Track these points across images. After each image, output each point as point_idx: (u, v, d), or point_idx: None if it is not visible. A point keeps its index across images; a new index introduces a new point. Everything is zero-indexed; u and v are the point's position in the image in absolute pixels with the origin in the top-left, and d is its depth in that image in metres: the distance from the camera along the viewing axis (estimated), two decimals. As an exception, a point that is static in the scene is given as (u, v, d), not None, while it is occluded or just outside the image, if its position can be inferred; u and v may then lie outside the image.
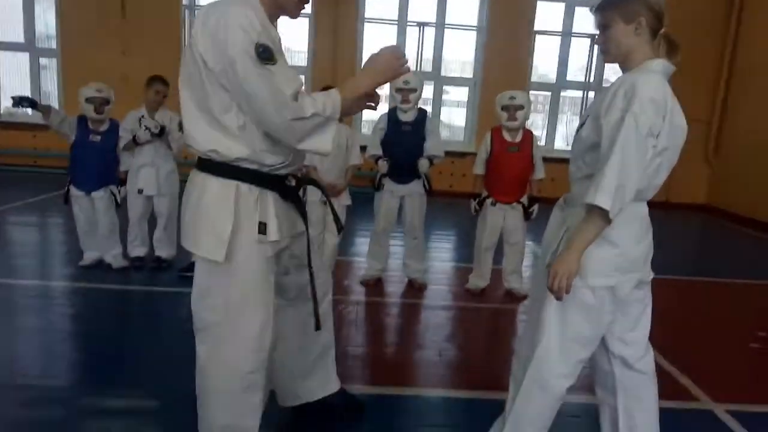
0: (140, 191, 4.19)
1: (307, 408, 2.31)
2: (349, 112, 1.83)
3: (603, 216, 1.65)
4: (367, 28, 8.40)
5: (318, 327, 2.01)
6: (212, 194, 1.75)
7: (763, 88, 7.58)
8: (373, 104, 1.89)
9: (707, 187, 8.74)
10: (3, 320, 3.32)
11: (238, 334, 1.80)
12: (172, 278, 4.10)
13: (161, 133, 4.07)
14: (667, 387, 2.81)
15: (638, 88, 1.63)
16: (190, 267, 4.05)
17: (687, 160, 8.52)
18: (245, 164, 1.75)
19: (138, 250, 4.33)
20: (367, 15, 8.37)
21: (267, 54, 1.59)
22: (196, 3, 8.33)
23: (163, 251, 4.33)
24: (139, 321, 3.50)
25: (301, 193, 1.99)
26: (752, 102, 7.83)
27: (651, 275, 1.93)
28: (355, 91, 1.76)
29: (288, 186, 1.87)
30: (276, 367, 2.17)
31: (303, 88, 1.69)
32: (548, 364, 1.85)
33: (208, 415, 1.90)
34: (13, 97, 3.89)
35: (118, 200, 4.20)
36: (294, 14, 1.82)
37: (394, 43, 1.74)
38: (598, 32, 1.83)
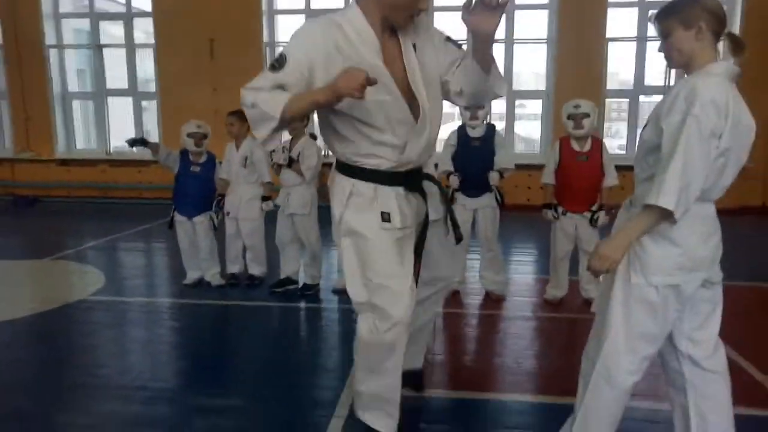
0: (228, 213, 4.58)
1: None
2: (302, 114, 2.10)
3: (663, 215, 1.71)
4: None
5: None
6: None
7: None
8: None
9: (808, 190, 8.15)
10: (118, 332, 3.80)
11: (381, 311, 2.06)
12: (263, 294, 4.44)
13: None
14: (750, 393, 2.78)
15: (699, 91, 1.68)
16: (280, 283, 4.44)
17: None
18: (360, 164, 2.09)
19: (232, 267, 4.71)
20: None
21: (274, 61, 1.92)
22: (276, 40, 8.90)
23: (255, 269, 4.69)
24: (234, 332, 3.86)
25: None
26: None
27: (720, 275, 1.94)
28: (305, 98, 1.90)
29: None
30: None
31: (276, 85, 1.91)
32: (615, 360, 1.91)
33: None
34: (127, 141, 4.46)
35: (216, 224, 4.61)
36: (404, 25, 1.99)
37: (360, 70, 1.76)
38: (660, 41, 1.88)
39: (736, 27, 8.00)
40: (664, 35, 1.85)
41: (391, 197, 2.06)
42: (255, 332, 3.79)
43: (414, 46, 2.01)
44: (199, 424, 2.57)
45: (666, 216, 1.71)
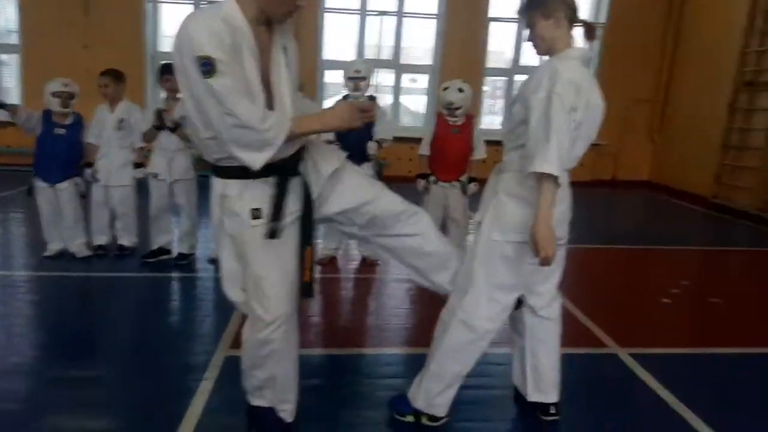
0: (98, 180, 4.35)
1: None
2: (296, 138, 1.93)
3: (553, 180, 1.89)
4: (328, 18, 8.58)
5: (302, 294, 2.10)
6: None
7: (702, 71, 8.04)
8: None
9: (651, 165, 9.22)
10: (-31, 307, 3.50)
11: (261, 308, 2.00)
12: (134, 265, 4.31)
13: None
14: (580, 335, 3.24)
15: (559, 72, 1.91)
16: (153, 253, 4.33)
17: (633, 138, 9.07)
18: (226, 163, 1.96)
19: (100, 238, 4.51)
20: (327, 5, 8.52)
21: (203, 67, 1.70)
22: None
23: (125, 239, 4.53)
24: (101, 304, 3.72)
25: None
26: (692, 84, 8.30)
27: (566, 238, 2.19)
28: (304, 128, 1.91)
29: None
30: None
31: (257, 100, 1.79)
32: (476, 307, 2.14)
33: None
34: None
35: (84, 191, 4.37)
36: (282, 21, 1.94)
37: (370, 102, 1.82)
38: (527, 31, 2.11)
39: (603, 17, 8.77)
40: (529, 26, 2.09)
41: (264, 191, 1.97)
42: (124, 304, 3.69)
43: (285, 48, 2.00)
44: (60, 396, 2.51)
45: (553, 180, 1.89)
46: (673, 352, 3.14)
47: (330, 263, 4.50)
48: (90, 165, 4.34)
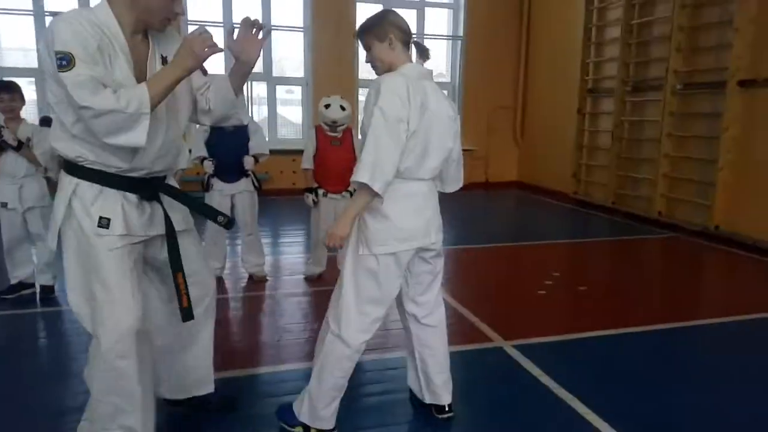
0: None
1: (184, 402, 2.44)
2: (164, 97, 1.84)
3: (368, 189, 1.97)
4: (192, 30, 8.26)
5: (183, 319, 2.11)
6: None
7: (552, 79, 8.83)
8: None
9: (518, 166, 9.95)
10: None
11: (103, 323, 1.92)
12: (-10, 303, 3.86)
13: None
14: (468, 333, 3.41)
15: (382, 87, 2.01)
16: (12, 289, 3.89)
17: (500, 143, 9.71)
18: (86, 164, 1.89)
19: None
20: (191, 18, 8.23)
21: (60, 62, 1.70)
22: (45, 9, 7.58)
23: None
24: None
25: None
26: (545, 91, 9.09)
27: (436, 245, 2.27)
28: (161, 83, 1.81)
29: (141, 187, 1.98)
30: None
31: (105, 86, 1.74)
32: (347, 321, 2.17)
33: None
34: None
35: None
36: (160, 29, 1.95)
37: (204, 30, 1.83)
38: (365, 54, 2.20)
39: (460, 31, 9.32)
40: (367, 49, 2.19)
41: (117, 202, 1.93)
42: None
43: (164, 58, 1.96)
44: None
45: (372, 191, 1.98)
46: (551, 340, 3.39)
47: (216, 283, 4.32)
48: None
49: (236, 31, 1.98)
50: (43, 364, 3.11)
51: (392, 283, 2.20)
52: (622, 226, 6.94)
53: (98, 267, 1.91)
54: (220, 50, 1.84)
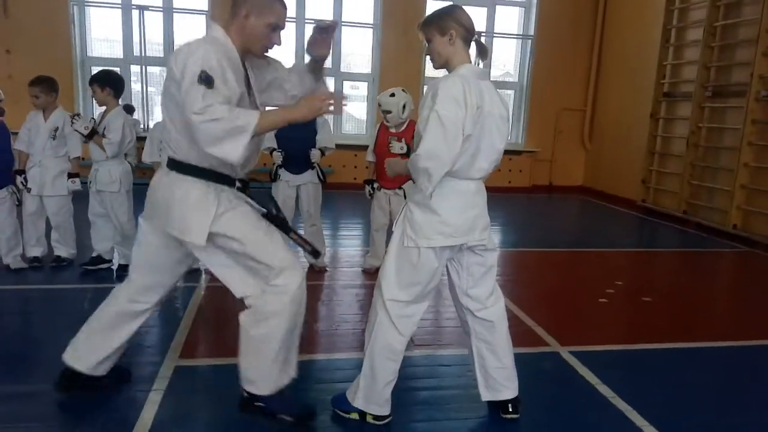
0: (29, 190, 4.18)
1: None
2: (269, 130, 2.22)
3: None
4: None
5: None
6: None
7: (625, 82, 8.54)
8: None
9: (584, 170, 9.68)
10: None
11: None
12: (73, 276, 4.15)
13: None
14: (524, 336, 3.37)
15: (440, 90, 2.06)
16: (92, 261, 4.17)
17: (566, 146, 9.50)
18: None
19: (34, 250, 4.31)
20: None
21: (203, 80, 1.93)
22: (85, 0, 8.10)
23: (63, 251, 4.34)
24: (38, 317, 3.56)
25: None
26: (617, 95, 8.79)
27: (486, 243, 2.30)
28: (271, 119, 2.08)
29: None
30: None
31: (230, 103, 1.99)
32: (387, 285, 2.25)
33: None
34: None
35: (20, 200, 4.18)
36: (259, 56, 2.23)
37: (333, 94, 2.15)
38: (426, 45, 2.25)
39: (531, 30, 9.15)
40: (427, 40, 2.23)
41: (225, 194, 2.19)
42: (62, 316, 3.50)
43: (248, 79, 2.23)
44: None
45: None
46: (610, 349, 3.32)
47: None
48: (21, 172, 4.16)
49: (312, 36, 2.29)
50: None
51: (433, 272, 2.23)
52: (693, 237, 6.64)
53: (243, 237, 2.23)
54: (329, 113, 2.14)
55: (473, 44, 2.23)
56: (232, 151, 1.96)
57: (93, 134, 3.95)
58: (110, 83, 4.00)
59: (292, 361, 2.33)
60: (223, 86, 1.97)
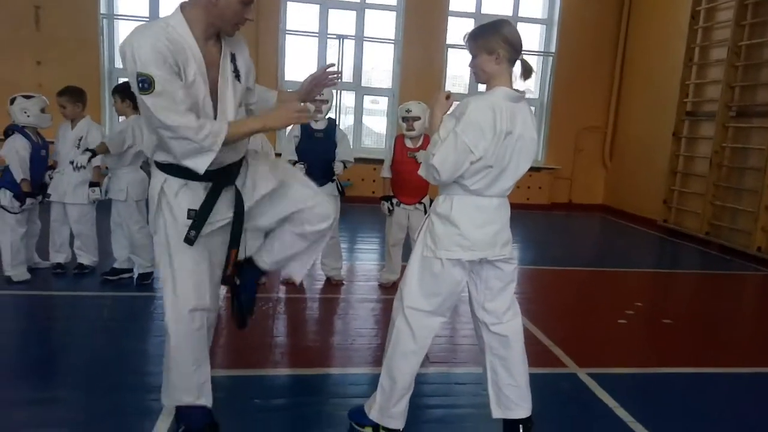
0: (49, 196, 4.28)
1: None
2: (238, 140, 2.11)
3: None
4: (289, 40, 8.65)
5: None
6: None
7: (647, 100, 8.47)
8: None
9: (604, 189, 9.59)
10: None
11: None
12: (94, 284, 4.22)
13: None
14: (540, 356, 3.32)
15: (468, 111, 2.08)
16: (114, 271, 4.24)
17: (587, 164, 9.41)
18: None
19: (58, 256, 4.40)
20: (288, 27, 8.62)
21: (141, 84, 1.85)
22: (115, 12, 8.30)
23: (85, 258, 4.42)
24: (60, 323, 3.61)
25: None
26: (639, 113, 8.72)
27: (505, 258, 2.30)
28: (242, 129, 2.06)
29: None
30: None
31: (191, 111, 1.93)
32: (412, 319, 2.27)
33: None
34: None
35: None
36: (231, 34, 2.10)
37: (306, 108, 2.14)
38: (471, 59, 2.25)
39: (552, 47, 9.15)
40: (473, 55, 2.23)
41: (198, 194, 2.12)
42: (83, 323, 3.58)
43: (233, 55, 2.14)
44: (19, 417, 2.43)
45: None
46: (629, 372, 3.26)
47: (293, 283, 4.49)
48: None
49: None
50: (136, 342, 3.34)
51: (456, 283, 2.26)
52: (715, 259, 6.52)
53: (175, 252, 2.18)
54: (303, 122, 2.15)
55: (518, 62, 2.22)
56: (200, 165, 1.98)
57: (93, 153, 4.12)
58: (130, 95, 4.08)
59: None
60: (177, 89, 1.89)
